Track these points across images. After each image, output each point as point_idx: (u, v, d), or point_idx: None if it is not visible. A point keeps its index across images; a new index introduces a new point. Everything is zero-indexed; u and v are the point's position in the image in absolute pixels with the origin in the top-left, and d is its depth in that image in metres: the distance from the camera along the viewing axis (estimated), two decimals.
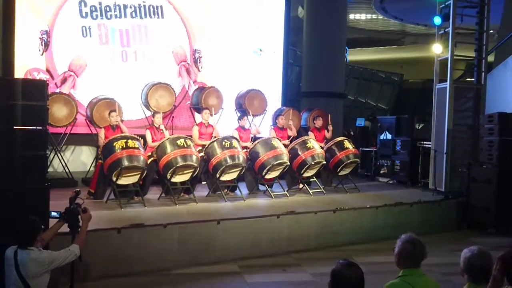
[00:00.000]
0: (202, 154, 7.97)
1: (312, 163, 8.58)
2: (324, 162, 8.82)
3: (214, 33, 11.41)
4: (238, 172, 8.09)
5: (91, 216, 4.15)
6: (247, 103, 10.48)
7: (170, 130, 9.37)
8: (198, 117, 10.07)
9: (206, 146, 8.02)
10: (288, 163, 8.38)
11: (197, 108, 10.16)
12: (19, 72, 9.39)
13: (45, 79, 9.22)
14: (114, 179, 7.10)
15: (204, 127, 8.56)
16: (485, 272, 2.81)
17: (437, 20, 10.00)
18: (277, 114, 10.02)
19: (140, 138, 7.53)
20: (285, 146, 8.69)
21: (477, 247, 2.86)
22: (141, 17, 10.59)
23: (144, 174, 7.37)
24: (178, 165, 7.34)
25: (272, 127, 9.70)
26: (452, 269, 2.80)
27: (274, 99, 11.83)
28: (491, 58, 12.75)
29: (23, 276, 3.46)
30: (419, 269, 2.91)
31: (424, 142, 10.83)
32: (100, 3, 10.16)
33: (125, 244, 5.81)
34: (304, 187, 9.06)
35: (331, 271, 2.43)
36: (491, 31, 12.15)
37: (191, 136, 8.21)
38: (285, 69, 12.64)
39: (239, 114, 9.98)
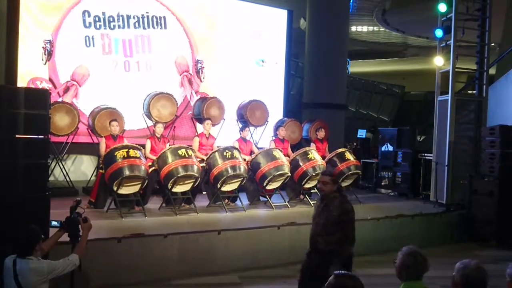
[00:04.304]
0: (203, 164, 7.97)
1: (313, 174, 8.55)
2: None
3: (216, 44, 11.47)
4: (239, 182, 8.08)
5: (91, 225, 4.14)
6: (249, 114, 10.48)
7: (172, 140, 9.37)
8: (199, 127, 10.08)
9: (207, 157, 8.02)
10: (289, 174, 8.38)
11: (199, 118, 10.17)
12: (22, 81, 9.41)
13: (47, 88, 9.30)
14: (115, 188, 7.09)
15: (205, 138, 8.55)
16: (481, 286, 2.77)
17: (439, 33, 10.04)
18: (278, 125, 10.02)
19: (142, 148, 7.53)
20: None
21: (474, 261, 2.81)
22: (144, 28, 10.65)
23: (145, 184, 7.37)
24: (179, 175, 7.34)
25: (273, 138, 9.69)
26: None
27: (276, 110, 11.83)
28: (492, 71, 12.79)
29: (22, 286, 3.45)
30: (420, 282, 2.90)
31: (426, 154, 10.80)
32: (103, 13, 10.21)
33: (125, 254, 5.80)
34: (305, 198, 9.04)
35: (326, 283, 2.43)
36: (493, 44, 12.17)
37: (191, 146, 8.22)
38: (286, 80, 12.68)
39: (240, 125, 9.97)
